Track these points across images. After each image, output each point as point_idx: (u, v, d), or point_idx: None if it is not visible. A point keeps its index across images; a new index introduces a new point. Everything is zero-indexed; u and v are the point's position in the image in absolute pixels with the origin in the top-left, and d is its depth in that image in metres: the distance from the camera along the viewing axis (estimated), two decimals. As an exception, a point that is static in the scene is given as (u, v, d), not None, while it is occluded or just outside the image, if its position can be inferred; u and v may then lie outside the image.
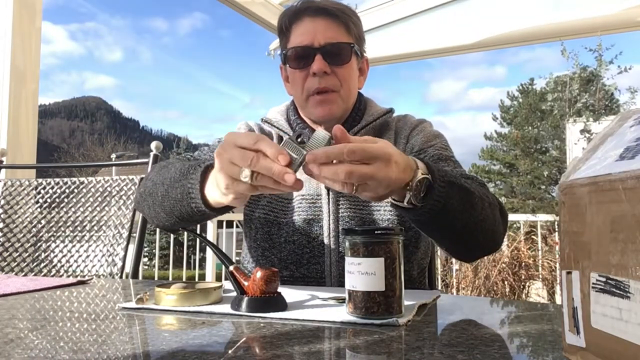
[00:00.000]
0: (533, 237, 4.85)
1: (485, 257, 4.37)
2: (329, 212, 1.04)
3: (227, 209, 0.82)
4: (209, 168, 0.80)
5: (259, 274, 0.71)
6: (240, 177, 0.67)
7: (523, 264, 4.28)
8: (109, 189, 1.51)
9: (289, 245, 1.05)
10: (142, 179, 1.47)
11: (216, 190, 0.75)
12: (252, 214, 1.10)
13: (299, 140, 0.68)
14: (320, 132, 0.67)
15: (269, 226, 1.08)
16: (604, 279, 0.38)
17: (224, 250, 0.84)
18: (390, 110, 1.14)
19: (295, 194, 1.07)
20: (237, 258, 5.57)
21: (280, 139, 1.14)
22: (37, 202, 1.55)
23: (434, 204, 0.75)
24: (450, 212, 0.78)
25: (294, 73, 1.08)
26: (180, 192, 0.83)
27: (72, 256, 1.46)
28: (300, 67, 1.06)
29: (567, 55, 5.30)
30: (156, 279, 4.92)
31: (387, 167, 0.68)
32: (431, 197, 0.74)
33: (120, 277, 1.38)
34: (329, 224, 1.04)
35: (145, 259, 13.43)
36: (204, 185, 0.79)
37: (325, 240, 1.04)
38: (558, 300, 4.19)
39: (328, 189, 1.05)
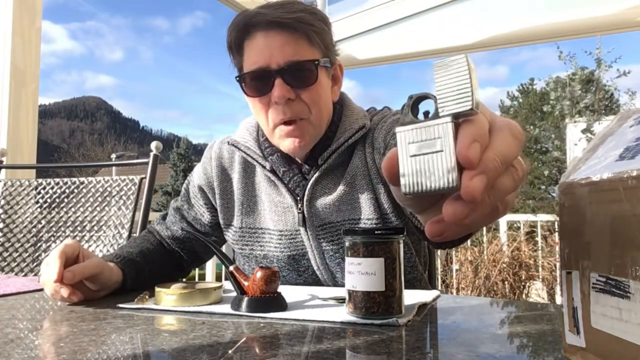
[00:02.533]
0: (533, 237, 4.85)
1: (486, 257, 4.38)
2: (311, 247, 0.97)
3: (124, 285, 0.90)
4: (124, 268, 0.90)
5: (259, 274, 0.71)
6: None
7: (523, 264, 4.28)
8: (109, 189, 1.50)
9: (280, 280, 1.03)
10: (142, 179, 1.47)
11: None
12: (228, 240, 1.09)
13: (417, 114, 0.38)
14: (451, 62, 0.35)
15: (246, 261, 1.05)
16: (604, 279, 0.38)
17: (224, 250, 0.84)
18: (363, 126, 0.96)
19: (272, 227, 1.00)
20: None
21: (244, 162, 1.03)
22: (37, 202, 1.55)
23: None
24: None
25: (253, 102, 0.93)
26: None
27: (72, 256, 1.46)
28: (258, 94, 0.91)
29: (564, 58, 5.31)
30: (156, 279, 4.91)
31: None
32: None
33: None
34: (315, 258, 0.98)
35: (146, 259, 13.39)
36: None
37: (317, 272, 0.99)
38: (558, 300, 4.19)
39: (305, 225, 0.96)
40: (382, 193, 0.95)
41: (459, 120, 0.35)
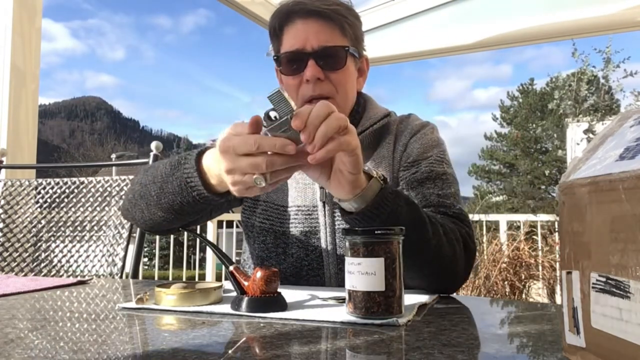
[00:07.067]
0: (533, 237, 4.86)
1: (486, 257, 4.38)
2: (325, 224, 1.02)
3: (229, 193, 0.79)
4: (202, 153, 0.81)
5: (259, 274, 0.71)
6: (256, 184, 0.69)
7: (523, 263, 4.28)
8: (109, 189, 1.51)
9: (288, 258, 1.04)
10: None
11: (222, 182, 0.76)
12: (248, 221, 1.10)
13: (272, 118, 0.68)
14: (275, 94, 0.67)
15: (264, 235, 1.07)
16: (604, 279, 0.38)
17: (224, 250, 0.84)
18: (388, 114, 1.10)
19: (290, 203, 1.05)
20: (237, 258, 5.57)
21: None
22: (37, 202, 1.55)
23: (383, 204, 0.75)
24: (399, 220, 0.76)
25: (287, 79, 1.04)
26: (178, 184, 0.82)
27: (72, 256, 1.46)
28: (293, 73, 1.02)
29: (577, 56, 5.28)
30: (156, 279, 4.92)
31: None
32: (381, 199, 0.75)
33: (120, 277, 1.37)
34: (326, 237, 1.02)
35: (145, 259, 13.44)
36: (202, 171, 0.80)
37: (324, 253, 1.02)
38: (558, 300, 4.19)
39: (324, 201, 1.03)
40: (402, 182, 1.03)
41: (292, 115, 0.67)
